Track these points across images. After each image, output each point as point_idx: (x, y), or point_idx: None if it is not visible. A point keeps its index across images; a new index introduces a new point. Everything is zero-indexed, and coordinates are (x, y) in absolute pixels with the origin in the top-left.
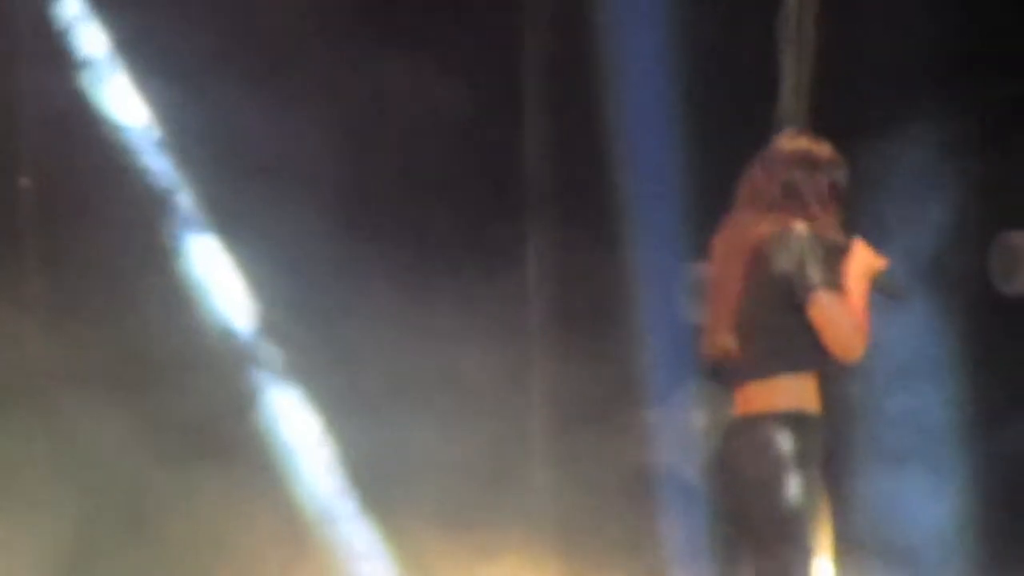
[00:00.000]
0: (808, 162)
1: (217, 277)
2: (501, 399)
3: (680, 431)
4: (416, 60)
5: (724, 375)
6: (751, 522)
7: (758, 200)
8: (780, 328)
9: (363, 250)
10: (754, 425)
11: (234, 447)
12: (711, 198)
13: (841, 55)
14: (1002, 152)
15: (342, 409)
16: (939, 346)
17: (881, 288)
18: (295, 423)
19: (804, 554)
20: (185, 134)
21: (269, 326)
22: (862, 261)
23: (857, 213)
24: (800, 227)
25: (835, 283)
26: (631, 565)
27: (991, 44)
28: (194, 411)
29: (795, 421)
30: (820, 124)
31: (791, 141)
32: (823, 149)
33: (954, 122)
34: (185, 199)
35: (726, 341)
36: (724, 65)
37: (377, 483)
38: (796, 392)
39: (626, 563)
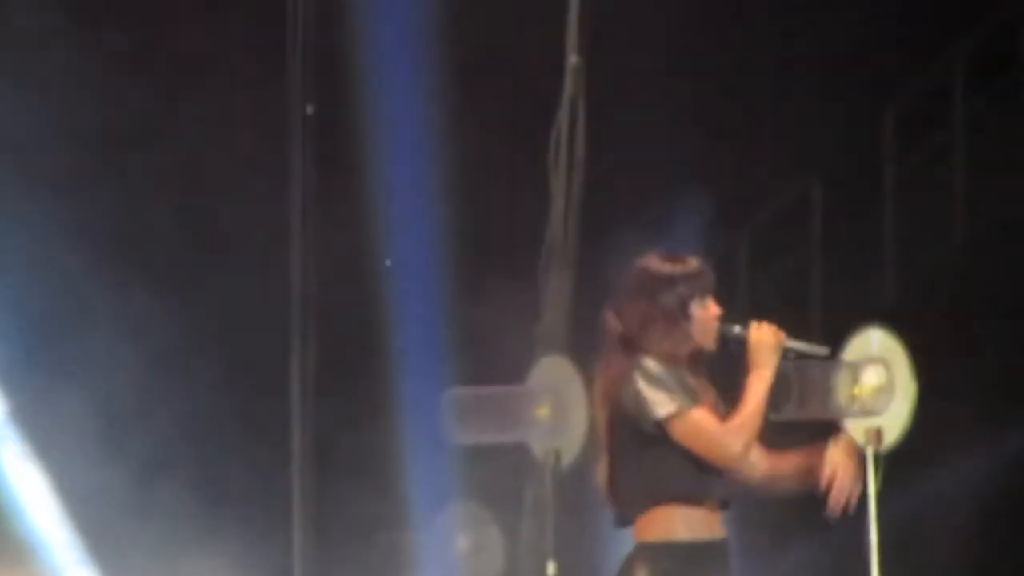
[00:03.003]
0: (654, 285)
1: None
2: (261, 516)
3: (443, 554)
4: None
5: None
6: None
7: (612, 337)
8: (640, 464)
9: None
10: (639, 553)
11: None
12: (474, 325)
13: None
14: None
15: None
16: None
17: (799, 354)
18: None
19: None
20: None
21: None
22: (759, 346)
23: None
24: (640, 363)
25: (691, 400)
26: None
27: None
28: None
29: (679, 552)
30: (590, 245)
31: (635, 268)
32: (669, 267)
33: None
34: None
35: (610, 499)
36: (490, 191)
37: None
38: (682, 520)
39: None
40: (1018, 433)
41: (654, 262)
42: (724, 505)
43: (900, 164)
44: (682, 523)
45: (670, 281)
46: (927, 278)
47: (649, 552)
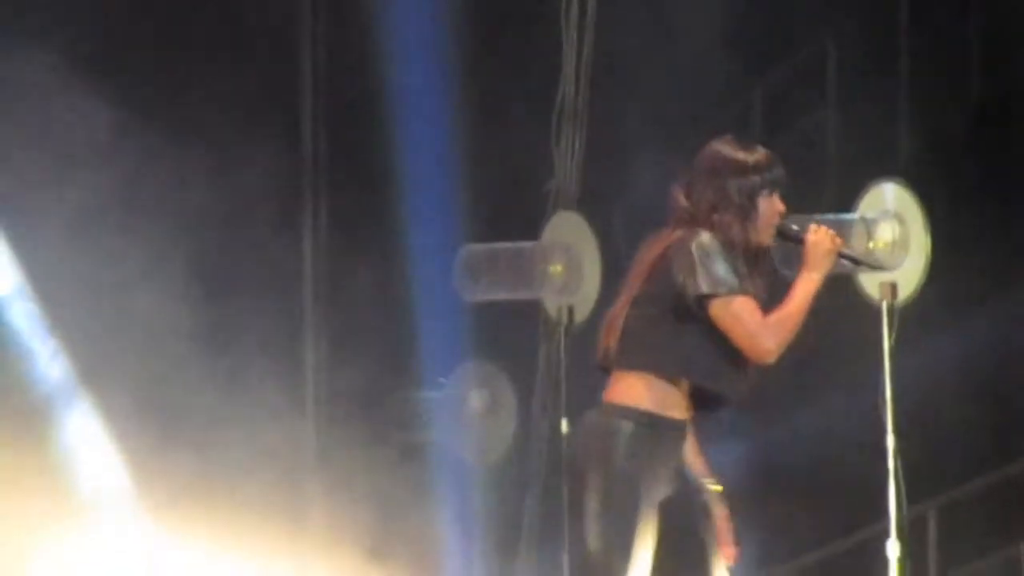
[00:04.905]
0: (727, 170)
1: None
2: (273, 375)
3: (456, 411)
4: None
5: (608, 364)
6: (575, 507)
7: (678, 213)
8: (657, 329)
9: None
10: (602, 412)
11: None
12: (487, 183)
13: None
14: None
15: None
16: None
17: (855, 262)
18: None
19: (610, 559)
20: None
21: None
22: (815, 248)
23: None
24: (700, 236)
25: (739, 287)
26: (405, 543)
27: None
28: None
29: (642, 420)
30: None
31: (709, 150)
32: (743, 155)
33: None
34: None
35: (608, 341)
36: (502, 52)
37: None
38: (655, 393)
39: (400, 541)
40: None
41: (729, 147)
42: (730, 402)
43: (916, 25)
44: (675, 400)
45: (743, 169)
46: (943, 137)
47: (613, 412)
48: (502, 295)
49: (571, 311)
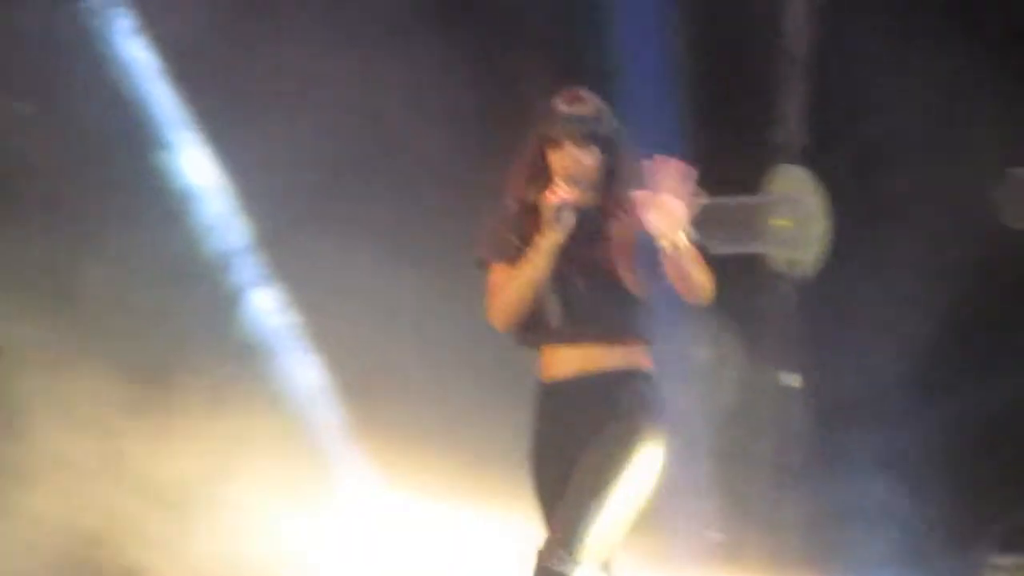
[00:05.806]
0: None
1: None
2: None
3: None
4: None
5: None
6: None
7: None
8: None
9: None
10: None
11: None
12: (707, 133)
13: None
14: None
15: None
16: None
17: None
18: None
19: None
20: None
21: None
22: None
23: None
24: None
25: (496, 253)
26: None
27: None
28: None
29: (539, 390)
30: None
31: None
32: (545, 104)
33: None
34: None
35: None
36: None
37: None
38: (542, 363)
39: None
40: None
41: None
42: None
43: None
44: (548, 363)
45: (538, 118)
46: None
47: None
48: (725, 248)
49: (798, 264)
